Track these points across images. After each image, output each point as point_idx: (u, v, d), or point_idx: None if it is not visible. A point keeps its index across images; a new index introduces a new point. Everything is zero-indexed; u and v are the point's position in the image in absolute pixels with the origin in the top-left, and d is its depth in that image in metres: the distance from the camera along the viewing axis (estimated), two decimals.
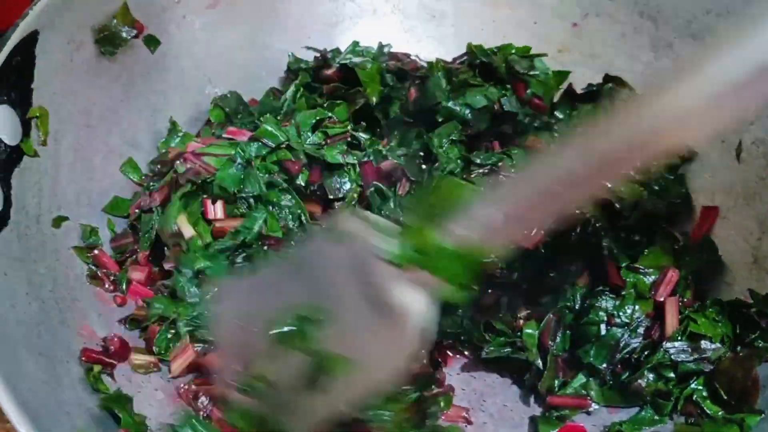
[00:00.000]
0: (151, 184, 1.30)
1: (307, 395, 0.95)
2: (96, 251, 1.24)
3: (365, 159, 1.30)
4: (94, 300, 1.21)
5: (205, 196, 1.22)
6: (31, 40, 1.14)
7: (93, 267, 1.23)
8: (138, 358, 1.18)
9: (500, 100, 1.36)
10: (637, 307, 1.18)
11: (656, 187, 1.34)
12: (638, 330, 1.18)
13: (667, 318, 1.18)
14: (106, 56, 1.29)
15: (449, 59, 1.50)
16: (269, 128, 1.26)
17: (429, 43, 1.56)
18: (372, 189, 1.28)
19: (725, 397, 1.12)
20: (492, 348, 1.20)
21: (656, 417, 1.16)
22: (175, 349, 1.19)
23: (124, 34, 1.29)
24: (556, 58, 1.49)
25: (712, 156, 1.37)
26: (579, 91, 1.47)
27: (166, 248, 1.25)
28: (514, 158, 1.32)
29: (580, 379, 1.19)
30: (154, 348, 1.19)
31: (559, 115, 1.44)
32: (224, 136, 1.29)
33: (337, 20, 1.56)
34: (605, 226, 1.24)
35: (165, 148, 1.36)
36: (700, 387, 1.15)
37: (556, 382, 1.19)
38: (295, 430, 0.99)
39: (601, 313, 1.18)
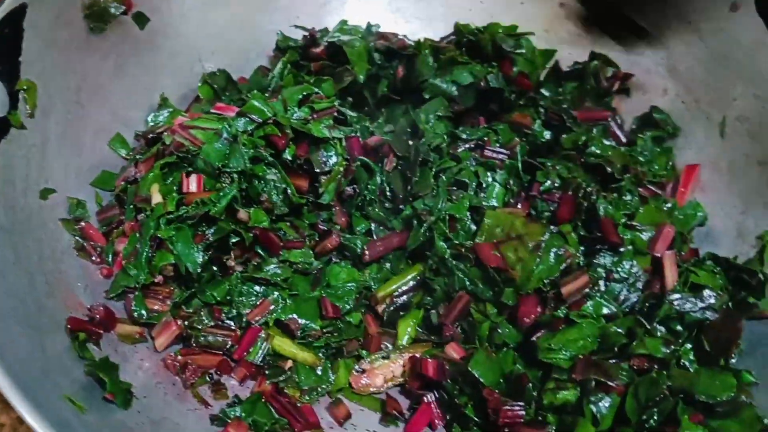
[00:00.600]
0: (137, 156, 1.31)
1: None
2: (83, 223, 1.25)
3: (352, 134, 1.31)
4: (81, 272, 1.22)
5: (189, 168, 1.23)
6: (19, 13, 1.16)
7: (80, 239, 1.24)
8: (124, 328, 1.19)
9: (486, 78, 1.37)
10: (634, 262, 1.19)
11: (641, 159, 1.37)
12: (637, 284, 1.19)
13: (666, 272, 1.19)
14: (95, 32, 1.30)
15: (437, 39, 1.51)
16: (256, 104, 1.26)
17: (417, 24, 1.58)
18: (358, 163, 1.29)
19: (708, 349, 1.14)
20: None
21: None
22: (158, 325, 1.20)
23: (112, 10, 1.30)
24: (543, 37, 1.51)
25: (698, 133, 1.38)
26: (565, 69, 1.48)
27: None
28: (500, 133, 1.33)
29: None
30: (134, 315, 1.19)
31: (545, 92, 1.45)
32: (212, 111, 1.30)
33: (326, 0, 1.57)
34: (598, 189, 1.25)
35: (154, 122, 1.37)
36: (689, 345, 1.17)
37: None
38: None
39: (600, 270, 1.19)
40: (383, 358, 1.23)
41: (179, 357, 1.19)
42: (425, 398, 1.17)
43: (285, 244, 1.25)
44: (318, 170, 1.27)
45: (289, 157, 1.26)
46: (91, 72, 1.32)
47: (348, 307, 1.25)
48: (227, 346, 1.21)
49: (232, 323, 1.23)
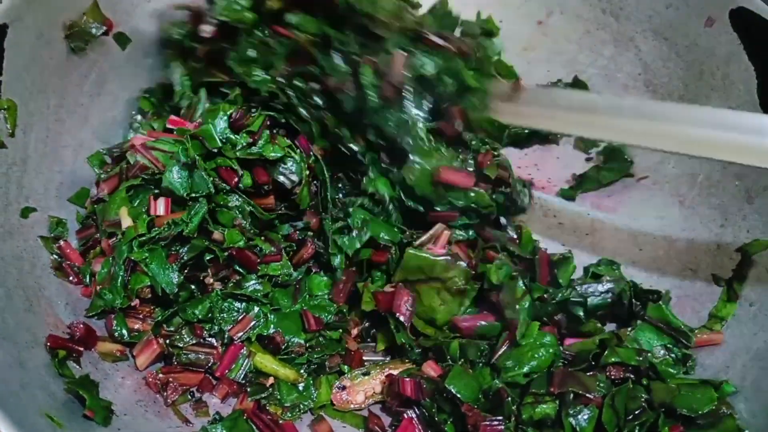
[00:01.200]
0: (102, 174, 1.29)
1: None
2: (62, 242, 1.25)
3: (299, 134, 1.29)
4: (62, 289, 1.22)
5: (156, 191, 1.22)
6: (0, 33, 1.16)
7: (57, 258, 1.24)
8: (105, 346, 1.18)
9: None
10: None
11: None
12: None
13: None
14: (76, 52, 1.30)
15: None
16: (211, 130, 1.23)
17: None
18: (313, 159, 1.29)
19: None
20: None
21: None
22: (140, 343, 1.19)
23: (93, 31, 1.31)
24: (522, 56, 1.52)
25: None
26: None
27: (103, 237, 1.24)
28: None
29: None
30: (115, 335, 1.19)
31: None
32: (167, 126, 1.28)
33: None
34: None
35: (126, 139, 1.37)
36: None
37: None
38: None
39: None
40: (363, 374, 1.23)
41: (160, 375, 1.19)
42: (405, 414, 1.16)
43: (262, 259, 1.25)
44: (290, 187, 1.26)
45: (249, 188, 1.24)
46: (71, 90, 1.32)
47: (330, 317, 1.26)
48: (209, 364, 1.21)
49: (213, 340, 1.22)
